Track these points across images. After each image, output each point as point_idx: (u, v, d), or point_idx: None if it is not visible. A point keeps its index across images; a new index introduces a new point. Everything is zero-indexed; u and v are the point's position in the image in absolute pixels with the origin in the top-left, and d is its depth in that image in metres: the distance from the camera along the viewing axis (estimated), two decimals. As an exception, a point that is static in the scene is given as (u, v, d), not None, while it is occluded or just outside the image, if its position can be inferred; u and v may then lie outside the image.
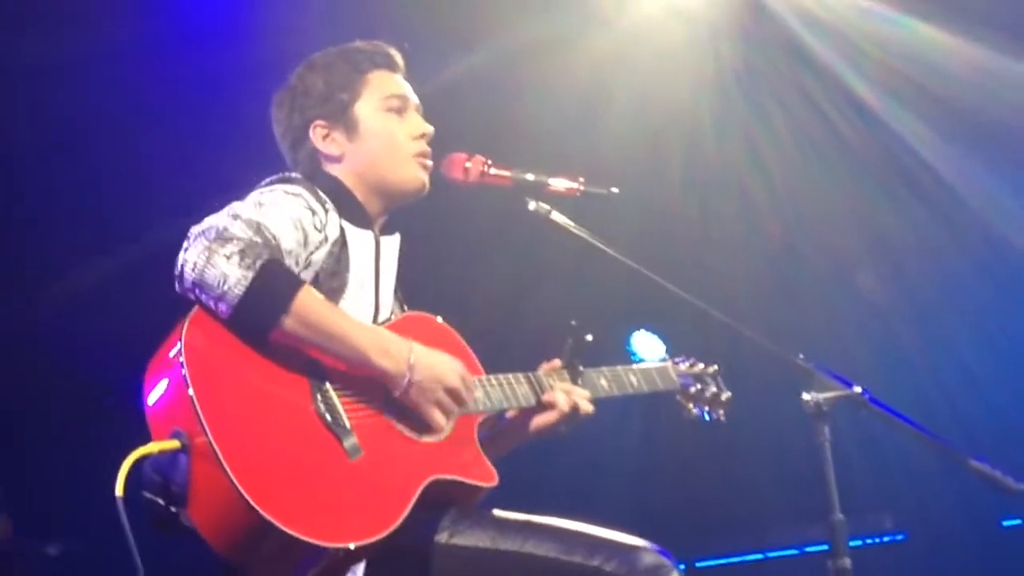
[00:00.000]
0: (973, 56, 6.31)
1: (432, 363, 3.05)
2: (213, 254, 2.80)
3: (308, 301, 2.88)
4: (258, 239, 2.87)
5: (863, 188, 7.11)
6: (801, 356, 3.30)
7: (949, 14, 6.15)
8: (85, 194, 5.93)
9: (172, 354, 2.81)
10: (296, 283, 2.89)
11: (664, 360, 3.98)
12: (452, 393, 3.06)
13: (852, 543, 3.13)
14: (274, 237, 2.93)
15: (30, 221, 6.00)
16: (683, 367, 4.02)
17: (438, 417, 3.05)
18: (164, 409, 2.82)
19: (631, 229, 5.83)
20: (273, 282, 2.83)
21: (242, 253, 2.81)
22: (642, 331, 7.75)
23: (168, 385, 2.81)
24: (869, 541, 7.04)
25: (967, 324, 7.30)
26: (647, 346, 7.77)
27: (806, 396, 3.21)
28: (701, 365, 4.06)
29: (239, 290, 2.78)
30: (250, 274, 2.79)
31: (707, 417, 3.99)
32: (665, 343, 7.79)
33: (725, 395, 4.02)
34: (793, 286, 7.47)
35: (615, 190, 3.48)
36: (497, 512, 3.16)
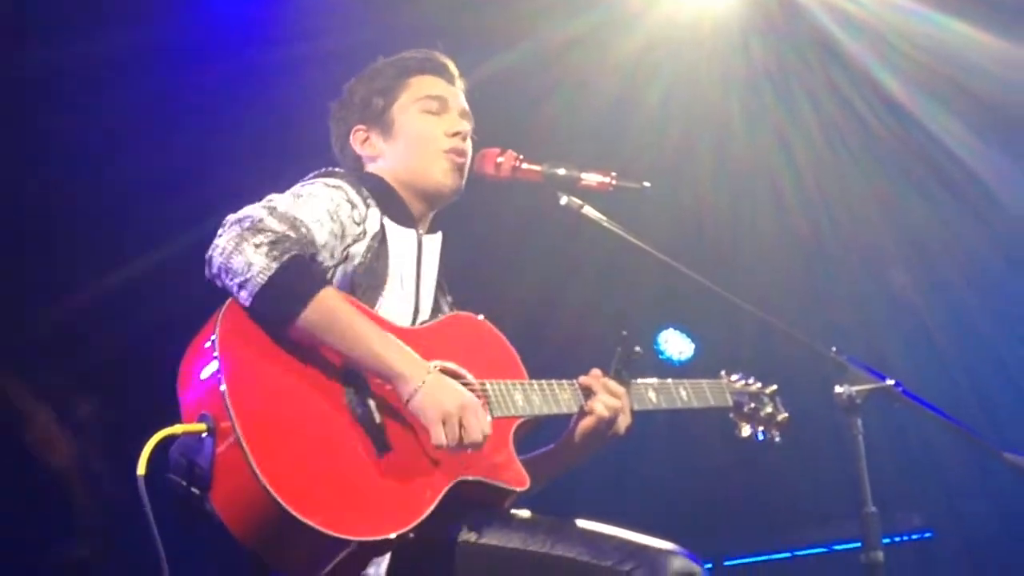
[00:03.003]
0: (1006, 52, 6.27)
1: (444, 386, 2.95)
2: (243, 241, 2.86)
3: (329, 300, 2.90)
4: (292, 234, 2.91)
5: (894, 184, 7.08)
6: (834, 349, 3.30)
7: (981, 9, 6.11)
8: (120, 195, 5.97)
9: (207, 342, 2.86)
10: (319, 281, 2.92)
11: (719, 375, 3.90)
12: (448, 419, 2.91)
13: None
14: (308, 231, 2.97)
15: (63, 222, 6.05)
16: (738, 384, 3.88)
17: (436, 434, 2.91)
18: (195, 394, 2.86)
19: (660, 225, 5.83)
20: (296, 276, 2.87)
21: (272, 244, 2.86)
22: (671, 329, 7.80)
23: (200, 371, 2.85)
24: (897, 539, 7.00)
25: (999, 320, 7.26)
26: (675, 344, 7.82)
27: (839, 389, 3.20)
28: (758, 384, 3.94)
29: (261, 279, 2.83)
30: (275, 265, 2.83)
31: (761, 437, 3.90)
32: (694, 341, 7.83)
33: (781, 416, 3.91)
34: (823, 282, 7.46)
35: (647, 184, 3.45)
36: (526, 513, 3.13)
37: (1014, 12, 6.12)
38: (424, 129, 3.41)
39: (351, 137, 3.46)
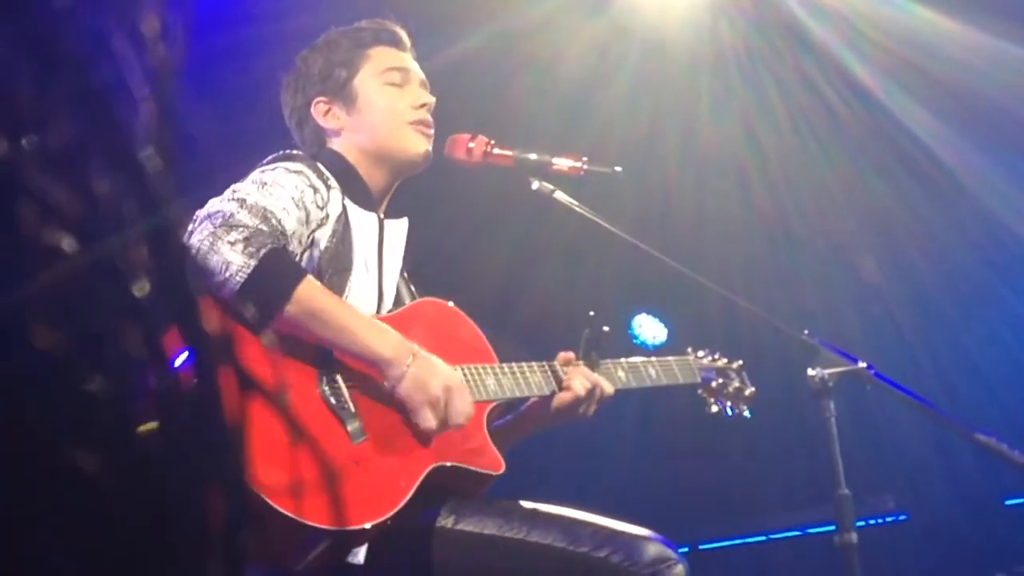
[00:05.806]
0: (972, 40, 6.30)
1: (429, 368, 2.98)
2: (217, 240, 2.80)
3: (310, 291, 2.87)
4: (264, 227, 2.86)
5: (861, 170, 7.10)
6: (806, 332, 3.30)
7: (949, -3, 6.16)
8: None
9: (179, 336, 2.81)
10: (299, 273, 2.89)
11: (686, 353, 3.91)
12: (435, 403, 2.97)
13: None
14: (279, 222, 2.93)
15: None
16: (705, 361, 3.93)
17: (426, 417, 2.96)
18: None
19: (628, 210, 5.82)
20: (276, 271, 2.83)
21: (247, 241, 2.81)
22: (644, 314, 7.74)
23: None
24: (871, 522, 7.01)
25: (965, 307, 7.30)
26: (649, 329, 7.76)
27: (811, 372, 3.21)
28: (724, 360, 3.98)
29: (241, 277, 2.77)
30: (253, 262, 2.78)
31: (730, 412, 3.92)
32: (666, 325, 7.80)
33: (749, 390, 3.95)
34: (790, 268, 7.46)
35: (619, 169, 3.45)
36: (502, 500, 3.13)
37: (981, 1, 6.14)
38: (390, 102, 3.38)
39: (312, 108, 3.39)
